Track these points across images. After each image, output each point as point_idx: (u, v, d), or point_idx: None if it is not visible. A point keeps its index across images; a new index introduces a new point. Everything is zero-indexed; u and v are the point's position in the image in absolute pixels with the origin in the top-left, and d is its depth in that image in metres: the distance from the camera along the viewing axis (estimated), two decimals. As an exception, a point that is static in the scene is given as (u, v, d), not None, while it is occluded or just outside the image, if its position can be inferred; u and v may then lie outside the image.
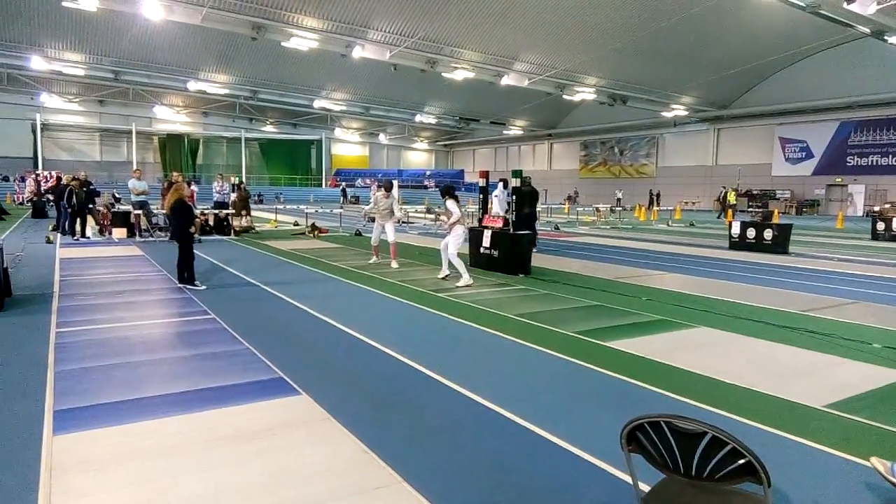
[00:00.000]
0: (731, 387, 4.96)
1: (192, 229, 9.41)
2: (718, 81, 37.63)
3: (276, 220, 22.90)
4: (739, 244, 16.00)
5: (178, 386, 4.83)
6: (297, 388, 4.76)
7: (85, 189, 16.13)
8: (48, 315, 7.25)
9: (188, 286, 9.13)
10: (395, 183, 28.82)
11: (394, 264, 11.69)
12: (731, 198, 32.79)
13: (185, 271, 9.25)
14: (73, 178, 16.26)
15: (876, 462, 3.31)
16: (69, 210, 15.86)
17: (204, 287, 9.17)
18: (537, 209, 15.69)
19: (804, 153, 39.92)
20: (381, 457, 3.59)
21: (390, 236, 11.70)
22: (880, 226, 19.88)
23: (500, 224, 11.66)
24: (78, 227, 16.05)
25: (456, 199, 10.19)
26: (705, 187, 45.04)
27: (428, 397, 4.67)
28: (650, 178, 48.50)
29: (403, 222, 22.41)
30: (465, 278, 9.82)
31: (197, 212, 13.43)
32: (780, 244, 15.20)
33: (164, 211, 17.00)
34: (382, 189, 11.92)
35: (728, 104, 42.78)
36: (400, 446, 3.76)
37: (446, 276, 10.43)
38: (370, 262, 12.31)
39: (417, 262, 12.65)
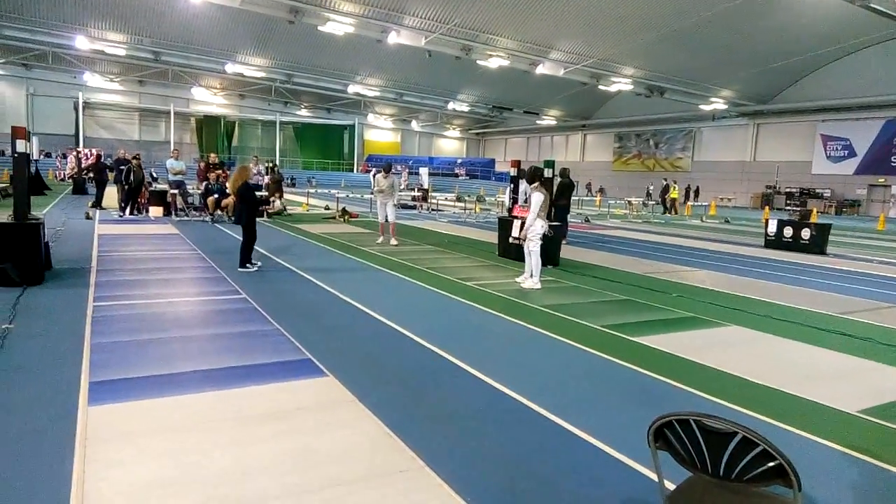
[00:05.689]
0: (762, 387, 4.88)
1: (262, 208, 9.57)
2: (759, 75, 36.63)
3: (307, 204, 23.11)
4: (775, 243, 15.64)
5: (210, 363, 4.93)
6: (324, 370, 4.82)
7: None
8: (86, 289, 7.45)
9: (241, 268, 9.14)
10: (423, 171, 29.10)
11: (393, 241, 12.89)
12: (674, 193, 30.21)
13: (244, 254, 9.25)
14: (134, 157, 16.70)
15: None
16: (126, 187, 16.38)
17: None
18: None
19: (846, 151, 38.73)
20: (405, 441, 3.62)
21: (391, 216, 12.92)
22: (924, 229, 19.23)
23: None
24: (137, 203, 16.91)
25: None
26: (742, 183, 44.09)
27: (453, 384, 4.69)
28: (685, 172, 47.56)
29: (406, 206, 24.12)
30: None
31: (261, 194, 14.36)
32: (817, 244, 14.80)
33: (199, 191, 17.38)
34: (382, 171, 13.09)
35: (769, 99, 41.64)
36: (424, 431, 3.79)
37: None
38: (378, 241, 13.25)
39: (447, 251, 12.66)
